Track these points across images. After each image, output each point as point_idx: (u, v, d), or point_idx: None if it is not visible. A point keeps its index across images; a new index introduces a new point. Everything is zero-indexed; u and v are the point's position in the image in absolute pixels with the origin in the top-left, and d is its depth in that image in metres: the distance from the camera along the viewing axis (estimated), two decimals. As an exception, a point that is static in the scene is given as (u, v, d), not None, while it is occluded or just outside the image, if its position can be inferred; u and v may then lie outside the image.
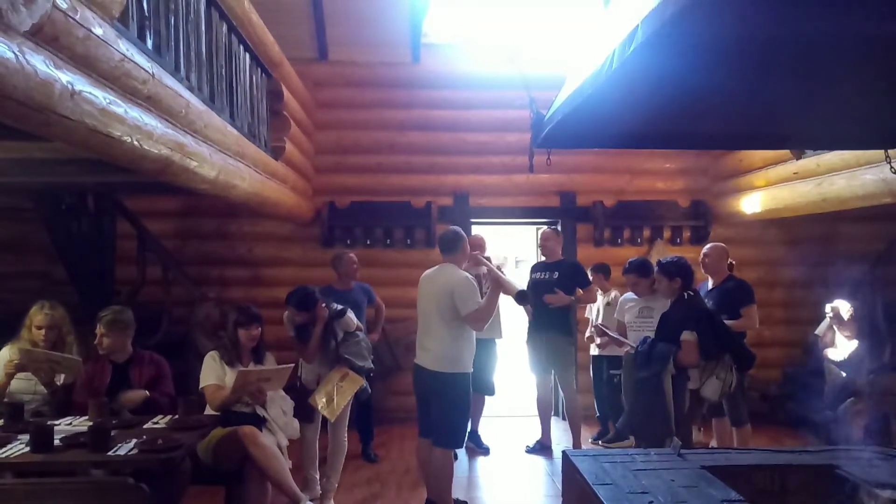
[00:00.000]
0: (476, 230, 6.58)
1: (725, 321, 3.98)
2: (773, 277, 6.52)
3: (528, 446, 5.38)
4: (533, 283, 5.17)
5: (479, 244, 5.08)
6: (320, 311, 3.94)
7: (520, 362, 5.45)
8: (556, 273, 5.09)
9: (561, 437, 5.61)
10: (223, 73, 3.72)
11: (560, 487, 4.41)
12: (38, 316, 3.63)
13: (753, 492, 1.96)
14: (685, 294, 3.70)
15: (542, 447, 5.36)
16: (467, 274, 3.76)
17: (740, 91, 2.08)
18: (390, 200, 6.40)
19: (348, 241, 6.33)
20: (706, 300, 4.22)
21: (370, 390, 4.15)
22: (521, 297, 3.61)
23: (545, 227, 5.48)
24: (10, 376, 3.46)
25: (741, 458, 2.20)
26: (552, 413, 5.55)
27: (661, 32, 1.30)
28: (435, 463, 3.72)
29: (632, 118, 2.15)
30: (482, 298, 3.75)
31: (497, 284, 3.75)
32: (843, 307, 5.03)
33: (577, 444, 5.09)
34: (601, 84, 1.59)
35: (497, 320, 5.13)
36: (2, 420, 3.17)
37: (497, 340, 5.30)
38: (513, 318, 5.52)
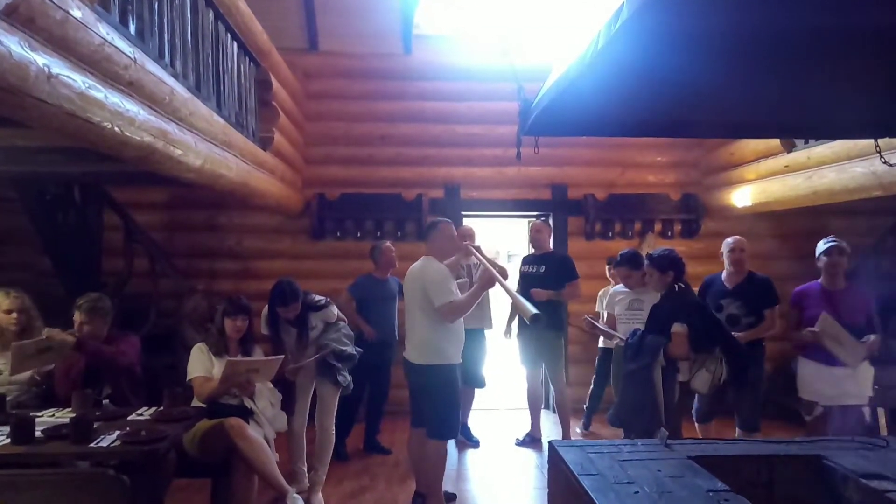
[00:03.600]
0: (467, 223, 6.59)
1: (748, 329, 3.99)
2: (764, 271, 6.38)
3: (517, 439, 5.38)
4: (522, 276, 5.16)
5: (467, 235, 5.05)
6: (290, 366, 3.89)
7: (509, 355, 5.43)
8: (544, 267, 5.08)
9: (551, 429, 5.60)
10: (210, 61, 3.66)
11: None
12: (5, 301, 3.57)
13: (740, 482, 1.95)
14: (676, 286, 3.69)
15: (531, 440, 5.35)
16: (441, 266, 3.71)
17: (728, 79, 2.06)
18: (381, 192, 6.36)
19: (338, 234, 6.30)
20: (725, 300, 4.16)
21: (351, 383, 4.10)
22: (535, 319, 3.15)
23: (535, 219, 5.46)
24: None
25: (728, 448, 2.18)
26: (542, 406, 5.54)
27: (645, 8, 1.27)
28: (428, 453, 3.70)
29: (618, 105, 2.13)
30: (468, 289, 3.73)
31: (485, 282, 3.65)
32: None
33: (566, 436, 5.10)
34: (587, 65, 1.56)
35: (486, 310, 5.15)
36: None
37: (486, 331, 5.29)
38: (502, 309, 5.49)
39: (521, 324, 5.21)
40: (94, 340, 3.48)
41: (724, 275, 4.37)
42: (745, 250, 4.35)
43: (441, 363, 3.62)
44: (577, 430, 5.55)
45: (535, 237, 5.26)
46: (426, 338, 3.64)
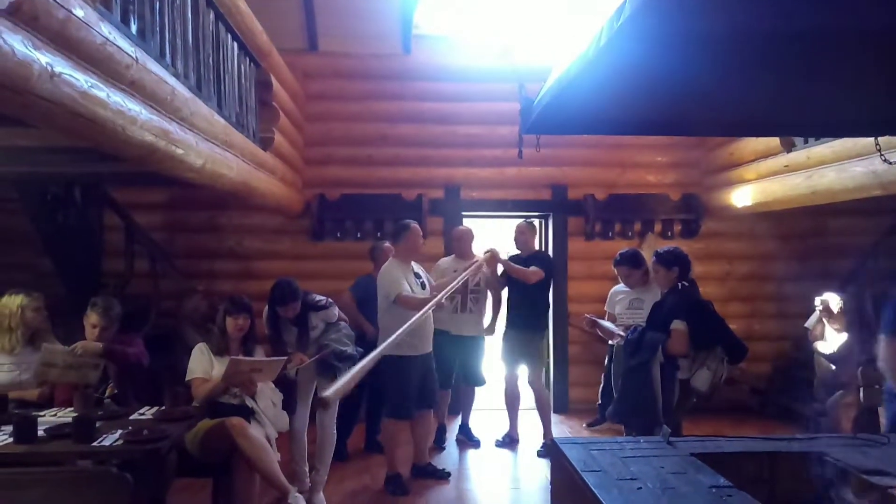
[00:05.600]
0: (467, 223, 6.60)
1: None
2: (763, 271, 6.54)
3: (497, 440, 5.37)
4: (510, 280, 5.15)
5: (462, 237, 5.06)
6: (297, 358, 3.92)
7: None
8: (532, 267, 5.08)
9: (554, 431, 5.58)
10: (210, 61, 3.66)
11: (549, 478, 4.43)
12: (32, 301, 3.62)
13: (743, 479, 1.95)
14: (680, 284, 3.69)
15: (510, 440, 5.36)
16: (387, 267, 4.22)
17: (729, 76, 2.06)
18: (381, 193, 6.36)
19: (338, 234, 6.30)
20: None
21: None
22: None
23: (521, 221, 5.46)
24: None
25: (730, 445, 2.19)
26: (520, 406, 5.43)
27: (648, 6, 1.27)
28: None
29: (620, 103, 2.13)
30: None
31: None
32: (833, 300, 5.03)
33: (547, 430, 5.07)
34: (589, 63, 1.56)
35: (480, 317, 5.22)
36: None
37: (486, 338, 5.34)
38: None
39: (508, 324, 5.20)
40: (110, 344, 3.51)
41: None
42: None
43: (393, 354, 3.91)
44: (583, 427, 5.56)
45: (518, 238, 5.26)
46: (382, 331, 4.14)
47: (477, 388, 5.40)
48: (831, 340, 5.05)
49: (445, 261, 5.22)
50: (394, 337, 2.81)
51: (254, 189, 4.43)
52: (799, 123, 2.92)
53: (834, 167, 4.47)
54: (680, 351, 3.48)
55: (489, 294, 5.29)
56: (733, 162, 5.97)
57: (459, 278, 4.33)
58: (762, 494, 2.00)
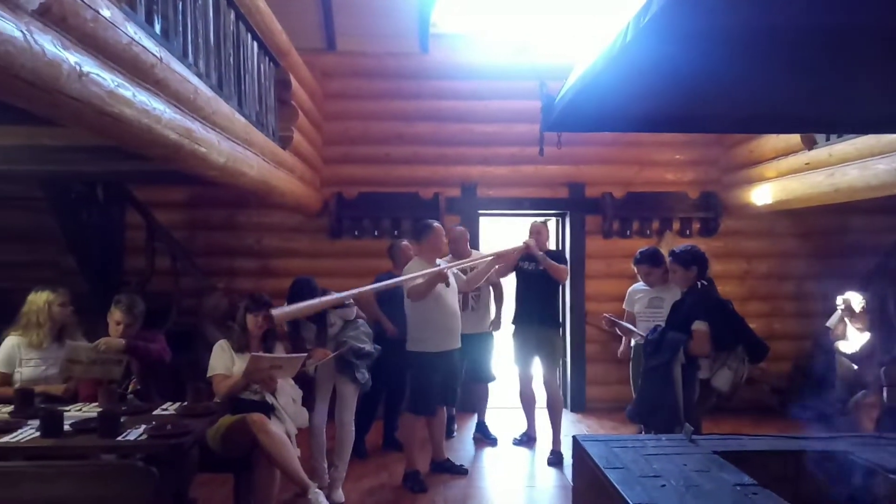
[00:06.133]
0: (484, 221, 6.60)
1: None
2: (783, 270, 6.48)
3: (514, 438, 5.36)
4: (519, 273, 5.12)
5: (458, 238, 5.05)
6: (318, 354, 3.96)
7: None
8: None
9: (571, 429, 5.57)
10: (231, 60, 3.70)
11: (567, 478, 4.42)
12: (58, 297, 3.67)
13: (767, 477, 1.94)
14: (699, 283, 3.66)
15: (528, 439, 5.34)
16: (410, 266, 4.39)
17: (755, 73, 2.04)
18: (398, 191, 6.38)
19: (356, 233, 6.33)
20: None
21: (370, 381, 4.12)
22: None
23: (535, 219, 5.44)
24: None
25: (754, 444, 2.18)
26: (535, 404, 5.37)
27: (675, 2, 1.27)
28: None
29: (643, 99, 2.12)
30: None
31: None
32: (855, 299, 4.98)
33: (556, 438, 4.98)
34: (614, 58, 1.56)
35: (485, 314, 5.27)
36: (12, 406, 3.18)
37: (494, 333, 5.37)
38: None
39: (517, 322, 5.14)
40: (133, 340, 3.56)
41: None
42: None
43: (411, 350, 4.29)
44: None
45: (534, 238, 5.24)
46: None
47: (490, 385, 5.41)
48: (853, 340, 4.99)
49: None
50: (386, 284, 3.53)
51: (273, 188, 4.46)
52: (823, 119, 2.88)
53: (857, 165, 4.42)
54: (702, 352, 3.45)
55: (491, 290, 5.30)
56: (753, 160, 5.92)
57: (486, 256, 4.56)
58: (786, 493, 1.99)
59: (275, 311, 2.40)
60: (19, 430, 2.80)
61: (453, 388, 4.45)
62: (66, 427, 2.81)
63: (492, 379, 5.38)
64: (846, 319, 5.03)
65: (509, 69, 6.22)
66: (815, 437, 2.30)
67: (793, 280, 6.44)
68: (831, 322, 5.18)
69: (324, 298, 3.41)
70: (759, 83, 2.12)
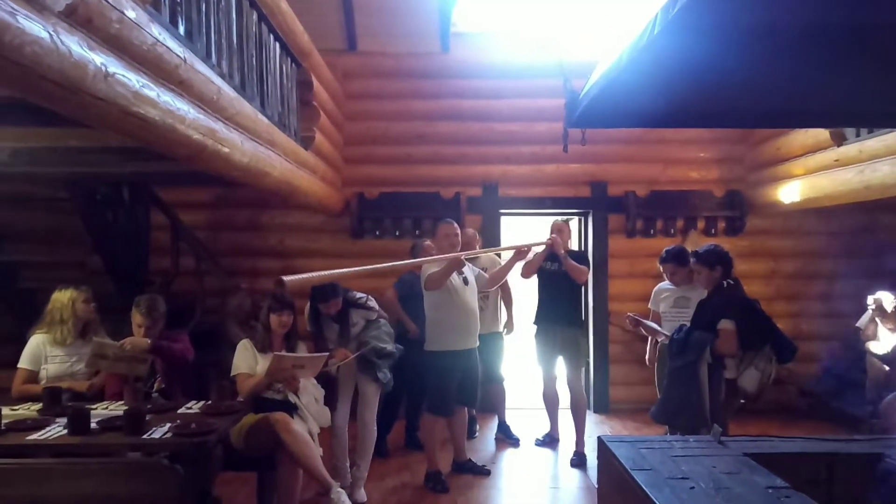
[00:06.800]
0: (506, 220, 6.57)
1: None
2: (812, 269, 6.36)
3: (537, 439, 5.33)
4: (541, 273, 5.06)
5: (468, 240, 5.02)
6: (340, 354, 3.94)
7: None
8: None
9: (595, 430, 5.52)
10: (254, 61, 3.72)
11: (591, 479, 4.38)
12: (81, 295, 3.73)
13: (799, 480, 1.89)
14: (725, 283, 3.61)
15: (551, 440, 5.30)
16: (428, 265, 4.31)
17: (782, 66, 2.00)
18: (419, 191, 6.37)
19: (377, 233, 6.33)
20: None
21: (391, 381, 4.10)
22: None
23: (557, 218, 5.38)
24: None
25: (786, 446, 2.13)
26: (559, 404, 5.31)
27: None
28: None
29: (669, 94, 2.08)
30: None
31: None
32: (887, 299, 4.88)
33: (580, 439, 4.92)
34: (641, 52, 1.53)
35: (495, 314, 5.30)
36: (41, 404, 3.23)
37: (504, 335, 5.37)
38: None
39: (540, 322, 5.09)
40: (157, 340, 3.59)
41: None
42: None
43: (427, 349, 4.32)
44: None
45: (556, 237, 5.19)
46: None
47: (507, 386, 5.40)
48: (884, 340, 4.90)
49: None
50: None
51: (296, 188, 4.48)
52: (853, 114, 2.81)
53: (888, 161, 4.32)
54: (730, 351, 3.40)
55: (499, 291, 5.26)
56: (780, 157, 5.81)
57: (511, 246, 4.66)
58: (819, 496, 1.94)
59: (286, 278, 2.41)
60: (48, 428, 2.84)
61: (472, 389, 4.40)
62: (93, 425, 2.84)
63: (500, 380, 5.35)
64: (877, 319, 4.94)
65: (530, 67, 6.18)
66: (847, 440, 2.24)
67: (821, 280, 6.32)
68: (862, 322, 5.08)
69: (338, 270, 3.44)
70: (788, 77, 2.08)
